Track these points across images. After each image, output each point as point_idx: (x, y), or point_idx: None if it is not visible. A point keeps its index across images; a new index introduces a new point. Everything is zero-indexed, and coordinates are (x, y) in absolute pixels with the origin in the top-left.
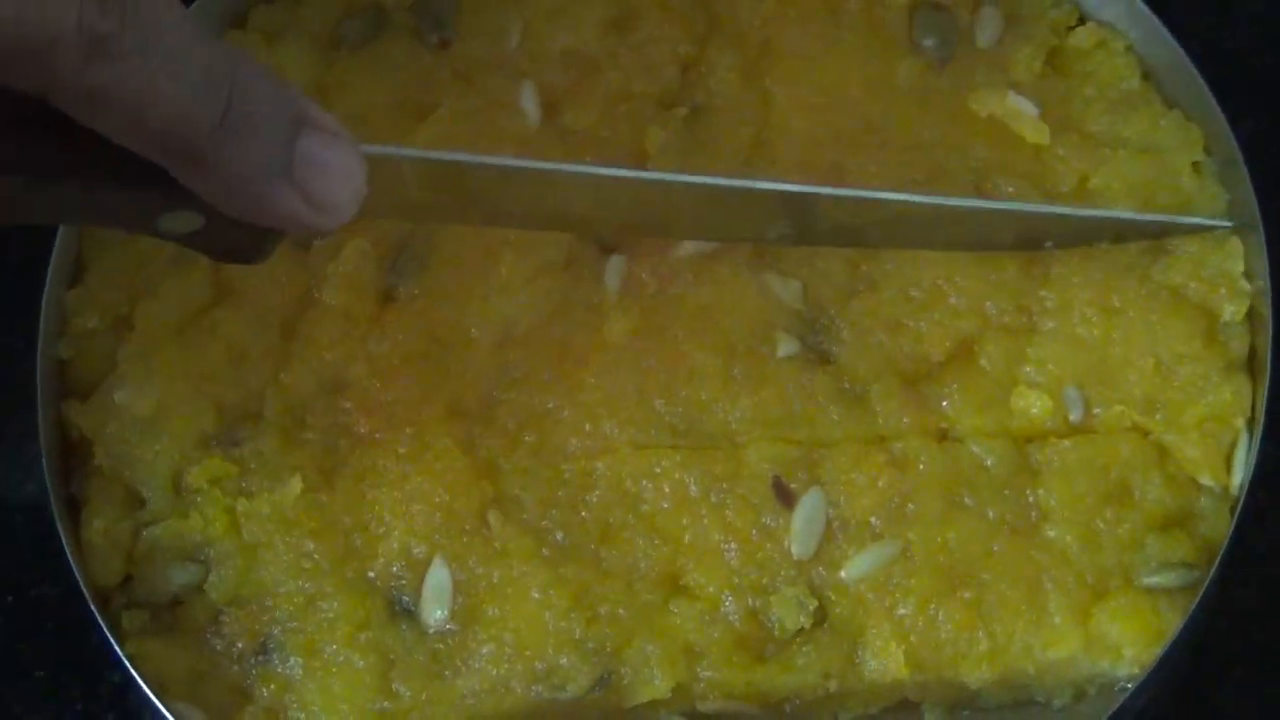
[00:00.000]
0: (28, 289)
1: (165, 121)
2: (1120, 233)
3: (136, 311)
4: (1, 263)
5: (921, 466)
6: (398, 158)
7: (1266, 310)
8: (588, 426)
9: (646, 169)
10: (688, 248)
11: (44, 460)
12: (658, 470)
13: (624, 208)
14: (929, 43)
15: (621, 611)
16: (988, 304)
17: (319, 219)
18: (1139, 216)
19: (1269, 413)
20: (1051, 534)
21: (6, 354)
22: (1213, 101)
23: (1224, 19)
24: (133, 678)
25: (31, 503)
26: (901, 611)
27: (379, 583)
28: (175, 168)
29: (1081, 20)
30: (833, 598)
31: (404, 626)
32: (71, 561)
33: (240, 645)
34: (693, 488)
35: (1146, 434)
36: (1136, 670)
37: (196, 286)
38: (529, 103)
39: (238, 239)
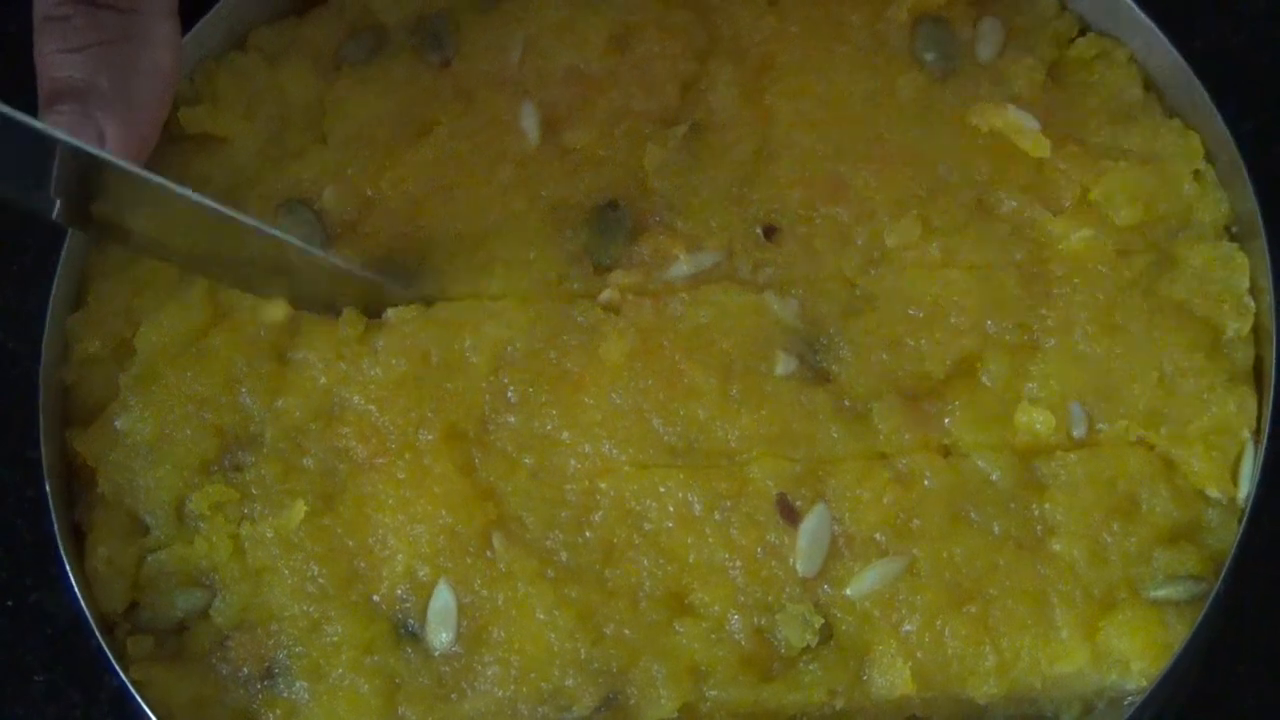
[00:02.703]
0: (30, 314)
1: None
2: None
3: (137, 337)
4: (3, 288)
5: (926, 482)
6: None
7: (1271, 324)
8: (587, 447)
9: (647, 186)
10: (683, 267)
11: (48, 488)
12: (661, 489)
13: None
14: (930, 56)
15: (627, 631)
16: (988, 322)
17: None
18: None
19: (1274, 423)
20: (1058, 548)
21: (10, 380)
22: (1214, 109)
23: (1224, 24)
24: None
25: (33, 508)
26: (908, 628)
27: (384, 606)
28: None
29: (1083, 31)
30: (839, 615)
31: (409, 649)
32: (76, 589)
33: (246, 670)
34: (696, 506)
35: (1152, 447)
36: (1144, 683)
37: (194, 310)
38: (529, 121)
39: None
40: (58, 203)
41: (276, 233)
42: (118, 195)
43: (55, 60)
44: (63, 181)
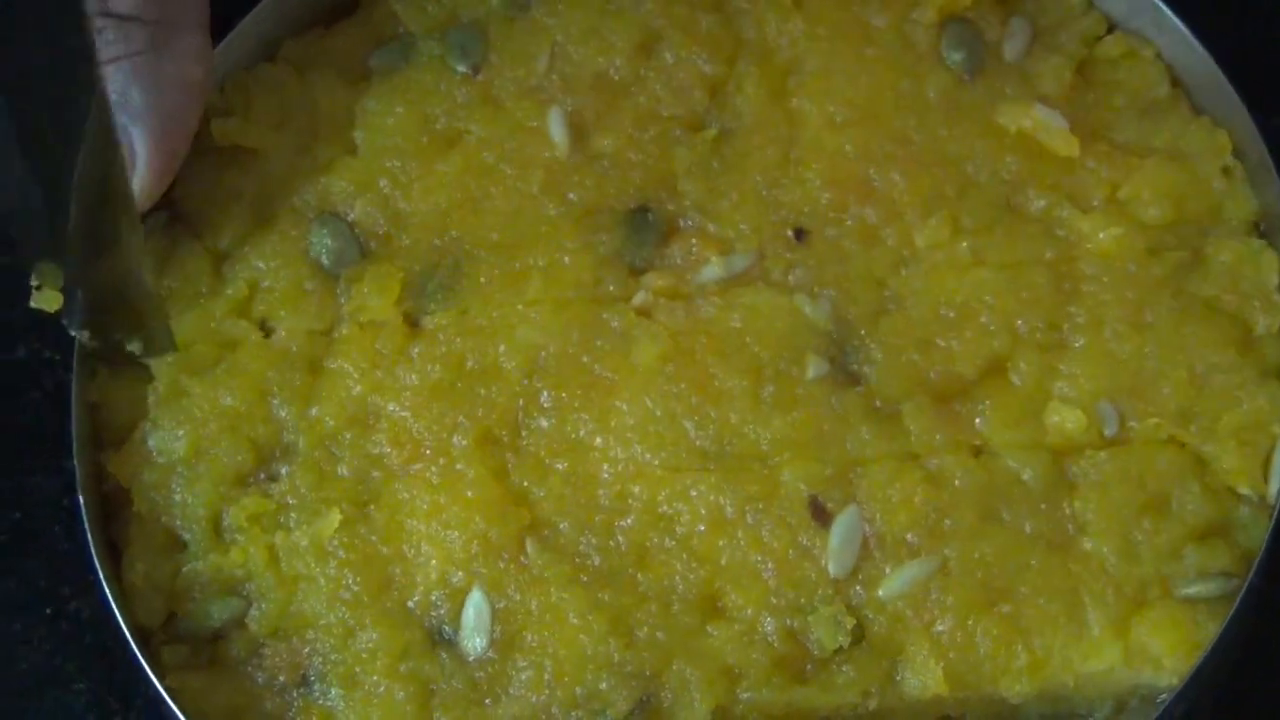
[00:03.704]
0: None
1: None
2: None
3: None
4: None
5: (957, 482)
6: None
7: None
8: (620, 452)
9: (677, 190)
10: (715, 269)
11: (83, 508)
12: (693, 493)
13: None
14: (957, 57)
15: (660, 634)
16: (1019, 321)
17: None
18: None
19: None
20: (1089, 546)
21: (46, 389)
22: (1241, 106)
23: (1252, 21)
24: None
25: (69, 517)
26: (940, 628)
27: (418, 612)
28: None
29: (1110, 30)
30: (871, 616)
31: (444, 655)
32: (113, 604)
33: (281, 678)
34: (728, 509)
35: (1182, 445)
36: (1176, 680)
37: (219, 322)
38: (557, 128)
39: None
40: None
41: None
42: None
43: None
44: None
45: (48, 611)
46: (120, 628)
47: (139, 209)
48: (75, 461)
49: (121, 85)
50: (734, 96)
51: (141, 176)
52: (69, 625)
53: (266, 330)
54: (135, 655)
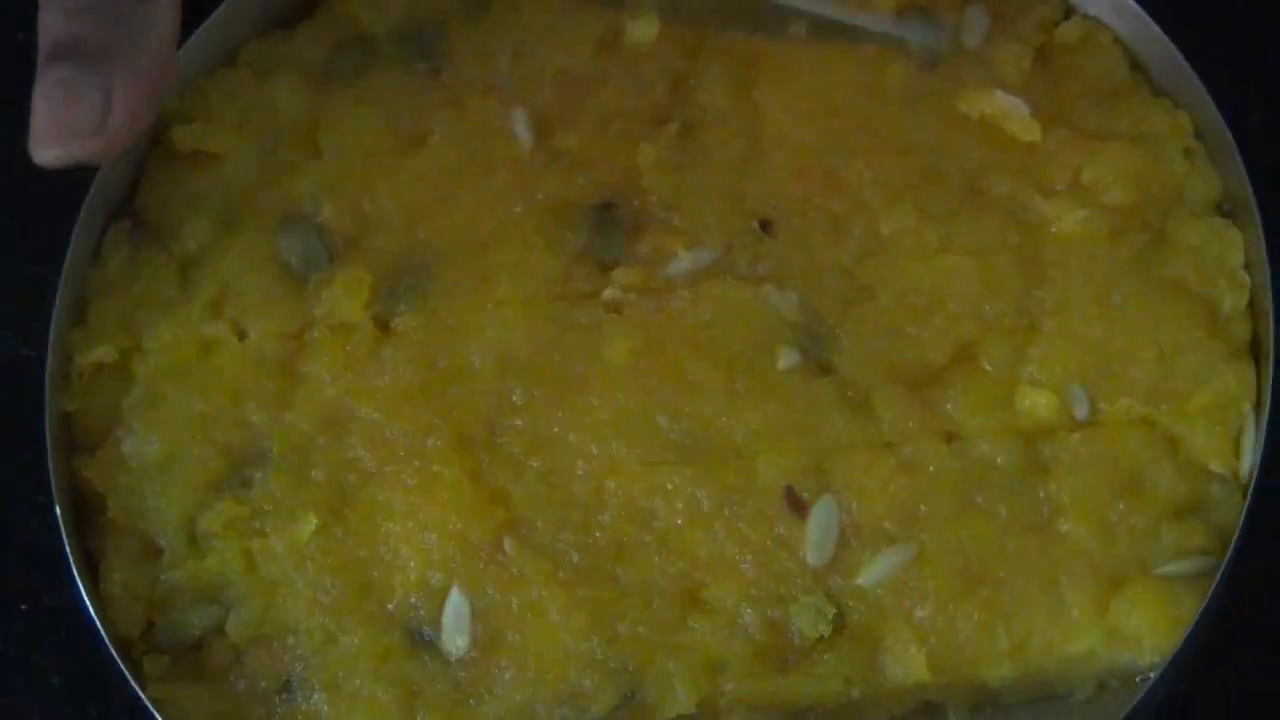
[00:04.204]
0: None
1: None
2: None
3: (136, 357)
4: (12, 293)
5: (932, 468)
6: None
7: (1267, 298)
8: (594, 448)
9: (642, 185)
10: (683, 263)
11: (58, 517)
12: (669, 487)
13: None
14: (917, 46)
15: (641, 629)
16: (986, 307)
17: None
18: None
19: (1275, 396)
20: (1065, 528)
21: (21, 386)
22: (1201, 87)
23: (1213, 6)
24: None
25: (43, 513)
26: (920, 614)
27: (398, 614)
28: None
29: (1067, 15)
30: (851, 604)
31: (426, 657)
32: (93, 613)
33: (264, 684)
34: (705, 502)
35: (1154, 425)
36: (1157, 659)
37: (194, 327)
38: (520, 126)
39: None
40: None
41: None
42: None
43: (59, 19)
44: None
45: (23, 608)
46: (102, 639)
47: (109, 150)
48: (50, 470)
49: (97, 27)
50: (696, 90)
51: (115, 115)
52: (44, 620)
53: (240, 334)
54: (119, 666)
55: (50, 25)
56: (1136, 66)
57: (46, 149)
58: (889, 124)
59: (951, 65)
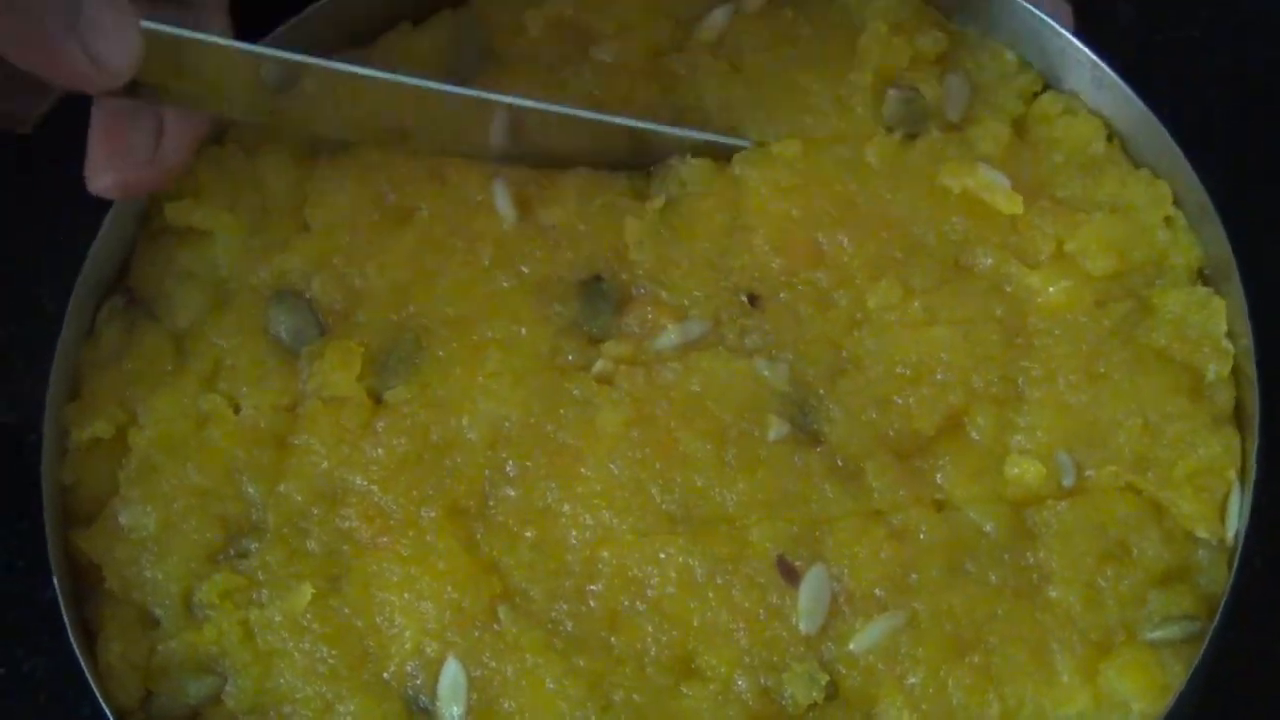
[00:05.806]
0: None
1: None
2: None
3: (132, 430)
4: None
5: (922, 536)
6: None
7: (1250, 365)
8: (588, 518)
9: (628, 259)
10: (671, 336)
11: (57, 589)
12: (662, 556)
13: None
14: (896, 120)
15: (636, 697)
16: (974, 377)
17: (99, 78)
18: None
19: (1260, 462)
20: (1054, 595)
21: (13, 481)
22: (1180, 154)
23: (1188, 74)
24: None
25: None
26: (912, 680)
27: (395, 683)
28: None
29: (1045, 87)
30: (843, 671)
31: None
32: (93, 685)
33: None
34: (698, 571)
35: (1140, 492)
36: None
37: (189, 400)
38: (503, 201)
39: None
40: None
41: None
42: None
43: None
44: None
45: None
46: (101, 710)
47: (161, 180)
48: (48, 544)
49: None
50: (677, 165)
51: (167, 143)
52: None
53: (234, 406)
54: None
55: None
56: (1113, 137)
57: (101, 176)
58: (871, 198)
59: (932, 138)
